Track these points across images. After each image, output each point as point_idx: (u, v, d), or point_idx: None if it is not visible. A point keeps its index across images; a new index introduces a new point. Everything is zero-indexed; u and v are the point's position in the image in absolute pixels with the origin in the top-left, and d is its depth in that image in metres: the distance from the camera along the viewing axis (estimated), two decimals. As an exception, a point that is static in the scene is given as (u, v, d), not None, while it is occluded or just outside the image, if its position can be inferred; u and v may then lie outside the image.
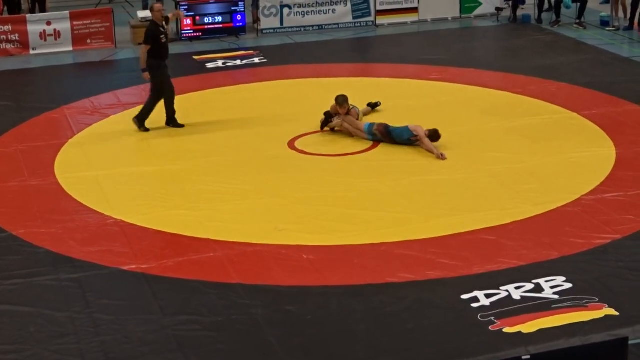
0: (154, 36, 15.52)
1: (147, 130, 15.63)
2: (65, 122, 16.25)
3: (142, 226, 12.15)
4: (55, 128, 16.02)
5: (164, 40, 15.59)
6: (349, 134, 14.99)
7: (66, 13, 21.49)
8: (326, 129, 15.19)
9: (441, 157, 14.09)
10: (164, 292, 10.51)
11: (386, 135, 14.62)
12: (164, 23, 15.70)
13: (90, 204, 12.84)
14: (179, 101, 15.99)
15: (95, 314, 10.06)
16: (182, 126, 15.82)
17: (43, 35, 21.06)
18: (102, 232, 12.03)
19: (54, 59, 20.66)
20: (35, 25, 21.06)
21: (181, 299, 10.39)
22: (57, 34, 21.19)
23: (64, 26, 21.25)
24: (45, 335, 9.70)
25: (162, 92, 15.66)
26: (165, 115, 15.78)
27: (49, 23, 21.18)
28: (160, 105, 15.65)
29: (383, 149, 14.48)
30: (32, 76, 19.56)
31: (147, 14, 21.93)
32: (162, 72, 15.61)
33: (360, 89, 15.76)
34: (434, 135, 14.41)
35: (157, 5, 15.91)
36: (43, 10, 22.60)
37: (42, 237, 11.90)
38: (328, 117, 15.12)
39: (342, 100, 15.15)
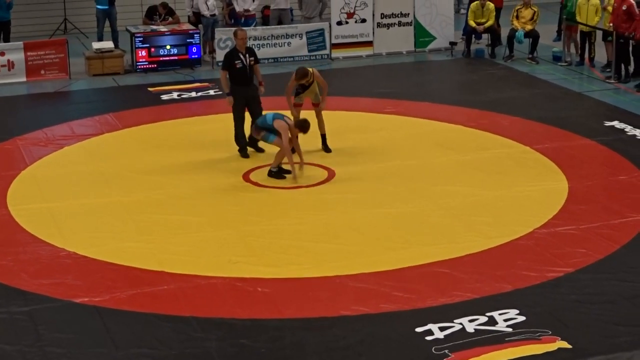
0: (229, 59, 15.63)
1: (246, 156, 15.77)
2: (18, 153, 16.12)
3: (95, 258, 12.04)
4: (8, 159, 15.87)
5: (239, 66, 15.60)
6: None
7: (20, 44, 21.35)
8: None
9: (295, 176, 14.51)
10: (116, 325, 10.42)
11: (258, 132, 14.77)
12: (246, 54, 15.68)
13: (42, 236, 12.72)
14: (136, 132, 15.86)
15: (47, 347, 9.94)
16: (261, 150, 15.87)
17: (-4, 66, 20.96)
18: (54, 265, 11.92)
19: (7, 89, 20.49)
20: (-12, 56, 20.95)
21: (134, 332, 10.30)
22: (10, 65, 21.06)
23: (18, 57, 21.11)
24: (-4, 369, 9.60)
25: (240, 117, 15.79)
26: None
27: (2, 53, 21.03)
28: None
29: (337, 183, 14.51)
30: (-16, 107, 19.40)
31: (102, 45, 21.91)
32: (236, 98, 15.69)
33: (314, 122, 15.81)
34: (302, 127, 14.58)
35: (241, 33, 15.88)
36: (7, 39, 22.38)
37: (-7, 270, 11.79)
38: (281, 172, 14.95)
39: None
